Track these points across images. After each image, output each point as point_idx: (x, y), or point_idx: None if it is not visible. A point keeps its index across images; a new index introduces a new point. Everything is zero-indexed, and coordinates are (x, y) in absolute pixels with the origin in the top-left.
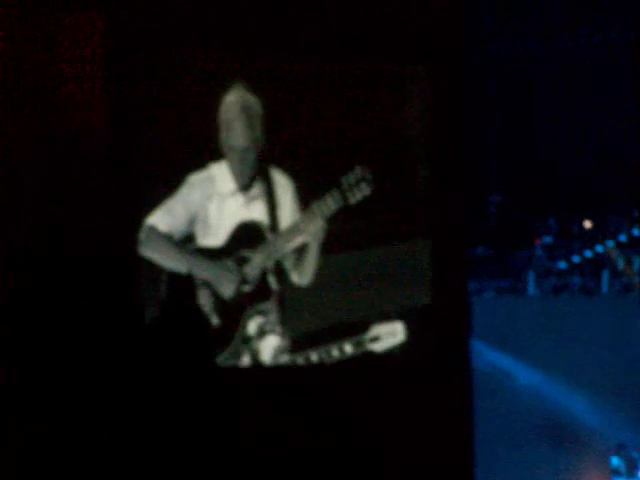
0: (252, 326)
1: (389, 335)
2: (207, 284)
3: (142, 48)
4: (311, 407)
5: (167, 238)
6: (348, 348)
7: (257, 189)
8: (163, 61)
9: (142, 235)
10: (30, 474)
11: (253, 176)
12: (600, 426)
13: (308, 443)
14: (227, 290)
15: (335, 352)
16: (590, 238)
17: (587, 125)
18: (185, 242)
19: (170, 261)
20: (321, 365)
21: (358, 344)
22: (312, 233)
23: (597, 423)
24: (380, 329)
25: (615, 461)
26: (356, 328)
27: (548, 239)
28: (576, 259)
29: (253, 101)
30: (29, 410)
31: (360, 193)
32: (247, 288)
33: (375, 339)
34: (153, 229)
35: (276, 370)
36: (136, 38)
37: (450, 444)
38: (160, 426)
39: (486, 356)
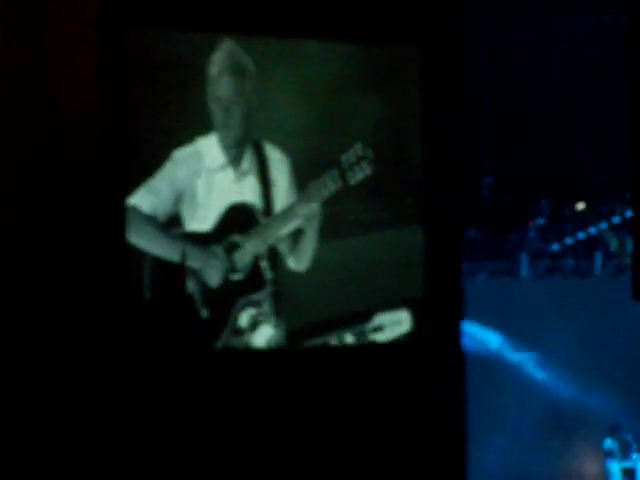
0: (244, 318)
1: (394, 324)
2: (194, 272)
3: (131, 27)
4: (306, 391)
5: (150, 220)
6: (349, 338)
7: (248, 163)
8: (151, 37)
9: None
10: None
11: (242, 142)
12: (594, 408)
13: (305, 429)
14: (213, 278)
15: (334, 342)
16: (583, 220)
17: (580, 108)
18: (171, 225)
19: (154, 246)
20: (315, 350)
21: (360, 334)
22: (307, 217)
23: (591, 405)
24: (384, 318)
25: (609, 443)
26: (357, 317)
27: (541, 221)
28: (569, 241)
29: (243, 56)
30: (27, 397)
31: (361, 172)
32: (238, 277)
33: (378, 329)
34: (135, 210)
35: (271, 354)
36: (126, 17)
37: (443, 428)
38: (152, 414)
39: (480, 338)
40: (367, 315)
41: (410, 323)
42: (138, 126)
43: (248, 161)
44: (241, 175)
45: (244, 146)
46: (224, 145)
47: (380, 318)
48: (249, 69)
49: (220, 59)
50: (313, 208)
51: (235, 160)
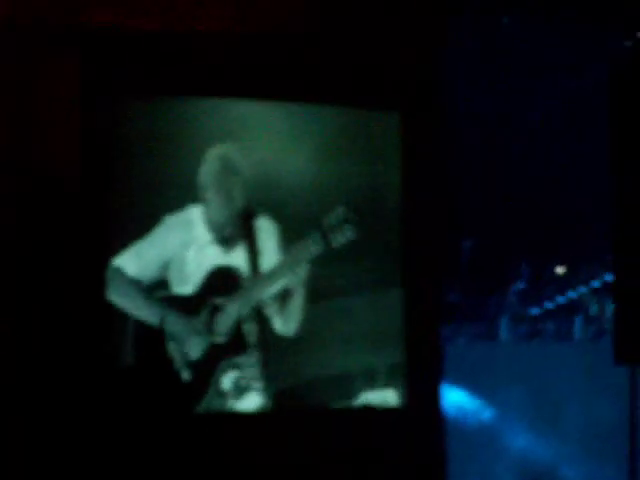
0: (226, 381)
1: (380, 403)
2: (175, 337)
3: (119, 93)
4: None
5: (134, 283)
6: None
7: (237, 236)
8: (142, 105)
9: (107, 276)
10: None
11: (232, 229)
12: (574, 475)
13: None
14: (194, 352)
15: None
16: (563, 284)
17: (561, 171)
18: (155, 287)
19: (135, 309)
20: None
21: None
22: (298, 278)
23: (571, 472)
24: (370, 397)
25: None
26: (343, 390)
27: (521, 285)
28: (549, 305)
29: (235, 163)
30: None
31: (343, 236)
32: (220, 339)
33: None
34: (119, 272)
35: (255, 418)
36: (114, 83)
37: None
38: (134, 478)
39: (459, 402)
40: (352, 391)
41: (397, 402)
42: (126, 188)
43: (236, 233)
44: (230, 247)
45: (232, 220)
46: (210, 222)
47: (366, 396)
48: (240, 175)
49: (212, 168)
50: (303, 268)
51: (223, 237)
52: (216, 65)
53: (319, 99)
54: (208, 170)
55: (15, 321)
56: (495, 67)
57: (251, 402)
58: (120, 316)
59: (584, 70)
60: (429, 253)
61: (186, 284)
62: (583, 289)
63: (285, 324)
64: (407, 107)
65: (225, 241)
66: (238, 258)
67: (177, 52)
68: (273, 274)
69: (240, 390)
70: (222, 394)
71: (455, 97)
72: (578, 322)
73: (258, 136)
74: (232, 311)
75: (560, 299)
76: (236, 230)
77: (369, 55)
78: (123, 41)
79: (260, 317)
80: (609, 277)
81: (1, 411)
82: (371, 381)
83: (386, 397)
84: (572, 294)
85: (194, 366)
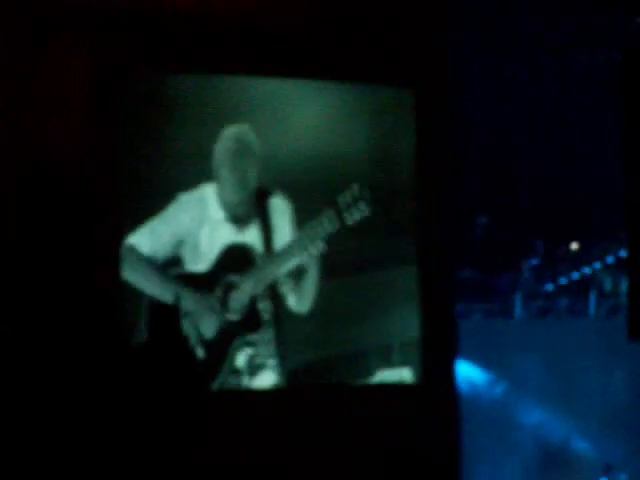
0: (241, 358)
1: (396, 382)
2: (190, 314)
3: (134, 71)
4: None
5: (148, 261)
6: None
7: (251, 214)
8: (157, 83)
9: (121, 255)
10: None
11: (246, 208)
12: (588, 448)
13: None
14: (207, 329)
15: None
16: (577, 260)
17: (574, 146)
18: (169, 265)
19: (150, 287)
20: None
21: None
22: (312, 255)
23: (585, 445)
24: (385, 375)
25: None
26: (358, 367)
27: (535, 261)
28: (563, 281)
29: (250, 143)
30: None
31: (358, 213)
32: (235, 317)
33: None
34: (133, 250)
35: (269, 394)
36: (125, 63)
37: (437, 469)
38: (147, 455)
39: (474, 379)
40: (368, 370)
41: (412, 379)
42: (140, 165)
43: (250, 211)
44: (244, 225)
45: (246, 199)
46: (224, 201)
47: (382, 374)
48: (254, 155)
49: (226, 146)
50: (317, 246)
51: (236, 215)
52: (232, 43)
53: (333, 76)
54: (223, 149)
55: (31, 301)
56: (507, 44)
57: (265, 379)
58: (134, 294)
59: (597, 47)
60: (443, 230)
61: (200, 262)
62: (597, 265)
63: (299, 301)
64: (421, 84)
65: (238, 219)
66: (252, 236)
67: (193, 30)
68: (287, 252)
69: (254, 368)
70: (236, 372)
71: (469, 74)
72: (592, 298)
73: (273, 115)
74: (246, 289)
75: (574, 275)
76: (250, 209)
77: (384, 32)
78: (137, 18)
79: (274, 295)
80: (623, 253)
81: (16, 389)
82: (386, 358)
83: (402, 375)
84: (586, 270)
85: (208, 344)
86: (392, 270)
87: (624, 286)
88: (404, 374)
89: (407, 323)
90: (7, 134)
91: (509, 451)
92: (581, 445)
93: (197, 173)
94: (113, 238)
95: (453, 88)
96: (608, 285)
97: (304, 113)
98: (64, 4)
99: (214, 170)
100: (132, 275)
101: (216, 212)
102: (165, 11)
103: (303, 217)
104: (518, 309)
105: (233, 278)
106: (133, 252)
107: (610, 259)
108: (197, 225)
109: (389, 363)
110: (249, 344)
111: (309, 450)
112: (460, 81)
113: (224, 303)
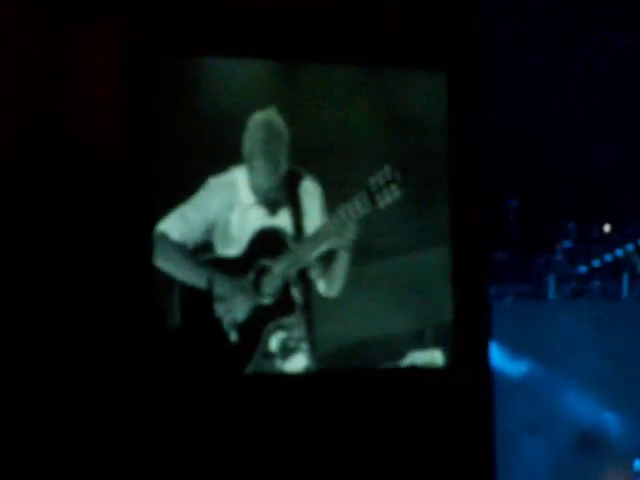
0: (274, 342)
1: (427, 364)
2: (223, 298)
3: (163, 56)
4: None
5: (179, 247)
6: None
7: (282, 198)
8: (184, 68)
9: (152, 242)
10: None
11: (277, 193)
12: (623, 430)
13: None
14: (240, 313)
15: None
16: (610, 242)
17: (606, 128)
18: (200, 250)
19: (182, 273)
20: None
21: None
22: (345, 239)
23: (620, 427)
24: (417, 357)
25: (638, 464)
26: (390, 351)
27: (568, 243)
28: (596, 263)
29: (279, 128)
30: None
31: (390, 196)
32: (267, 301)
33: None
34: (164, 237)
35: (302, 378)
36: (155, 46)
37: (472, 451)
38: (181, 439)
39: (507, 361)
40: (400, 352)
41: (443, 362)
42: (169, 152)
43: (281, 195)
44: (274, 209)
45: (277, 184)
46: (255, 187)
47: (414, 356)
48: (284, 141)
49: (257, 133)
50: (351, 229)
51: (267, 199)
52: (262, 28)
53: (364, 61)
54: (253, 138)
55: (65, 288)
56: (540, 23)
57: (298, 363)
58: (166, 280)
59: (629, 27)
60: (476, 212)
61: (231, 246)
62: (630, 247)
63: (329, 286)
64: (453, 65)
65: (270, 203)
66: (283, 220)
67: (222, 13)
68: (320, 235)
69: (287, 351)
70: (269, 355)
71: (502, 57)
72: (625, 280)
73: (303, 99)
74: (279, 272)
75: (607, 257)
76: (280, 193)
77: (416, 14)
78: (166, 3)
79: (305, 278)
80: None
81: (52, 369)
82: (419, 341)
83: (433, 357)
84: (619, 252)
85: (241, 328)
86: (425, 252)
87: None
88: (435, 356)
89: (440, 305)
90: (38, 119)
91: (545, 431)
92: (615, 426)
93: (227, 158)
94: (145, 225)
95: (485, 70)
96: None
97: (333, 97)
98: None
99: (245, 157)
100: (164, 263)
101: (247, 197)
102: None
103: (334, 201)
104: (551, 291)
105: (266, 262)
106: (164, 239)
107: None
108: (228, 210)
109: (421, 345)
110: (282, 328)
111: (340, 433)
112: (492, 63)
113: (257, 287)
